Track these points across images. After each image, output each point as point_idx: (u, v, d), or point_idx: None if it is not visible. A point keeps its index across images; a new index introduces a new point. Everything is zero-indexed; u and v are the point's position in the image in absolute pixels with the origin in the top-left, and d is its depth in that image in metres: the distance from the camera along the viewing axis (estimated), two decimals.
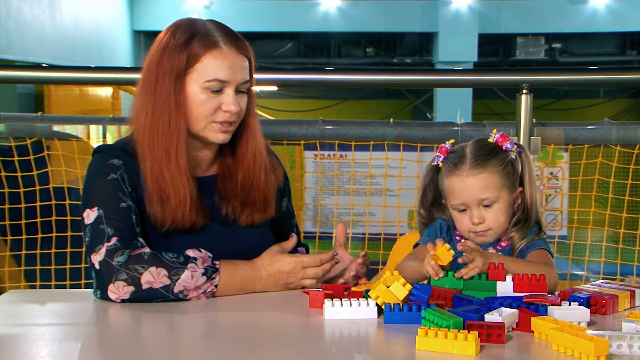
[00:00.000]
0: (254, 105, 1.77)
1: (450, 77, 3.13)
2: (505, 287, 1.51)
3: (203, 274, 1.57)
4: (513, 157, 1.78)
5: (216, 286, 1.59)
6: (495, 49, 13.23)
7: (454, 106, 9.82)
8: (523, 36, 12.53)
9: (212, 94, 1.65)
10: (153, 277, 1.54)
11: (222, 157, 1.78)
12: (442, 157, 1.80)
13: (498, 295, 1.51)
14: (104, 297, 1.55)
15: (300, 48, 13.38)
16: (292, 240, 1.74)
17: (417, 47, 13.24)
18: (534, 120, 2.74)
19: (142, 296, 1.54)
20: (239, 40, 1.69)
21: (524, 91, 2.68)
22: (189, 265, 1.57)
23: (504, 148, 1.77)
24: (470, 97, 11.89)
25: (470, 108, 11.87)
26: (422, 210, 1.88)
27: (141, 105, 1.68)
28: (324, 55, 13.37)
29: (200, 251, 1.61)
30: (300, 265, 1.67)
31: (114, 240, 1.57)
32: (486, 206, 1.73)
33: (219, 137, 1.69)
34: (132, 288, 1.53)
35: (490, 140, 1.79)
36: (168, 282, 1.55)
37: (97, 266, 1.56)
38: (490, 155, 1.76)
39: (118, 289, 1.53)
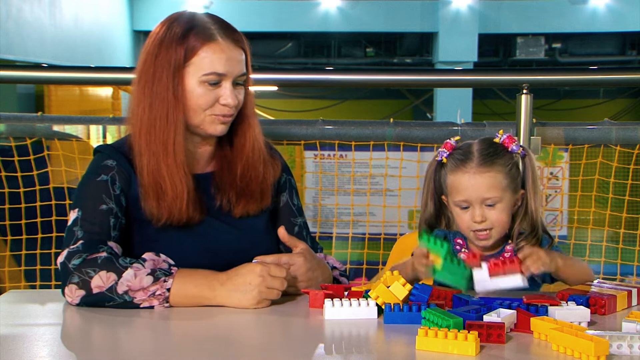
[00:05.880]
0: (251, 97, 1.76)
1: (450, 77, 3.13)
2: (481, 275, 1.54)
3: (149, 274, 1.51)
4: (518, 159, 1.78)
5: (168, 290, 1.51)
6: (495, 49, 13.22)
7: (454, 106, 9.82)
8: (523, 36, 12.52)
9: (209, 87, 1.65)
10: (102, 281, 1.50)
11: (221, 152, 1.76)
12: (447, 152, 1.79)
13: (475, 282, 1.53)
14: (64, 297, 1.55)
15: (300, 48, 13.37)
16: (274, 257, 1.63)
17: (417, 47, 13.23)
18: (534, 120, 2.74)
19: (92, 300, 1.51)
20: (235, 32, 1.69)
21: (524, 91, 2.68)
22: (134, 265, 1.52)
23: (509, 149, 1.77)
24: (470, 97, 11.89)
25: (470, 108, 11.86)
26: (428, 205, 1.85)
27: (138, 100, 1.67)
28: (324, 55, 13.36)
29: (159, 256, 1.57)
30: (267, 272, 1.53)
31: (78, 243, 1.57)
32: (489, 205, 1.73)
33: (218, 128, 1.68)
34: (82, 292, 1.51)
35: (497, 140, 1.79)
36: (113, 283, 1.50)
37: (58, 267, 1.57)
38: (497, 155, 1.75)
39: (71, 292, 1.52)
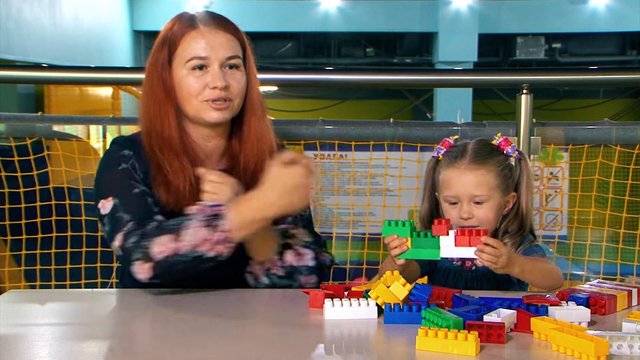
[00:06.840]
0: (254, 84, 1.77)
1: (450, 77, 3.13)
2: (448, 241, 1.56)
3: (206, 226, 1.55)
4: (512, 162, 1.81)
5: (227, 231, 1.55)
6: (495, 49, 13.23)
7: (454, 106, 9.83)
8: (523, 36, 12.53)
9: (197, 73, 1.68)
10: (162, 246, 1.54)
11: (232, 149, 1.79)
12: (444, 150, 1.84)
13: (441, 247, 1.55)
14: (134, 280, 1.57)
15: (300, 48, 13.38)
16: (287, 154, 1.60)
17: (417, 47, 13.23)
18: (534, 120, 2.74)
19: (162, 269, 1.54)
20: (220, 19, 1.72)
21: (524, 91, 2.68)
22: (185, 224, 1.56)
23: (505, 152, 1.81)
24: (470, 97, 11.89)
25: (470, 108, 11.86)
26: (424, 202, 1.88)
27: (142, 101, 1.76)
28: (324, 55, 13.36)
29: (202, 204, 1.60)
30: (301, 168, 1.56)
31: (129, 224, 1.61)
32: (477, 203, 1.76)
33: (213, 116, 1.70)
34: (149, 264, 1.54)
35: (493, 142, 1.83)
36: (175, 245, 1.54)
37: (118, 252, 1.60)
38: (491, 155, 1.79)
39: (140, 269, 1.55)
